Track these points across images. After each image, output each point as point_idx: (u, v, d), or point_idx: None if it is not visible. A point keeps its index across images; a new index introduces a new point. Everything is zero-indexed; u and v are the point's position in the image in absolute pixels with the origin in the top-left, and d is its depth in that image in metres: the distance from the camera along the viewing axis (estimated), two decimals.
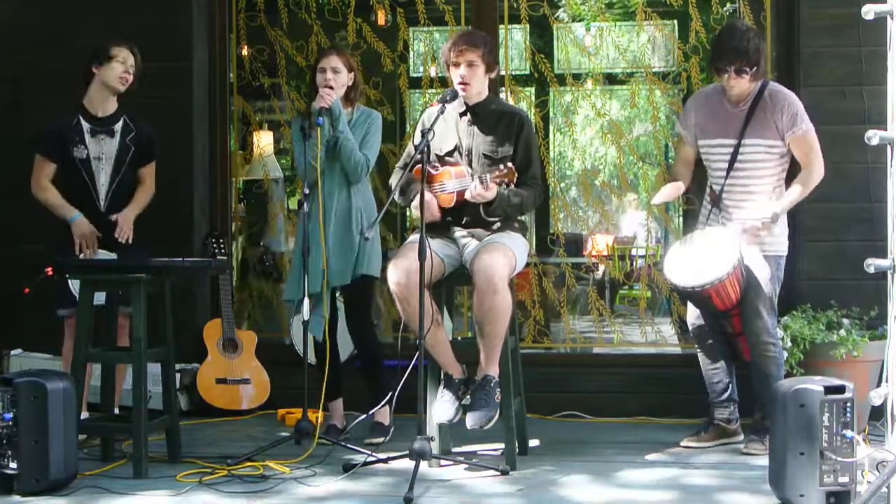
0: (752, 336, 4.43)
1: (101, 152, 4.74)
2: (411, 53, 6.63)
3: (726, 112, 4.48)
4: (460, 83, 4.19)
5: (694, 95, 4.81)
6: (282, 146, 7.99)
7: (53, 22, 5.64)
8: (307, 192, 4.58)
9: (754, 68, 4.34)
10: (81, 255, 4.61)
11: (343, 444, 4.41)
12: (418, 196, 3.95)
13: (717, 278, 4.26)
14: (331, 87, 4.59)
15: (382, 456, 4.17)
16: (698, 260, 4.35)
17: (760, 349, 4.43)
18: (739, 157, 4.44)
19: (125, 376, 4.83)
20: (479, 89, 4.24)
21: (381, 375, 4.58)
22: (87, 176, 4.72)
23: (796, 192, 4.43)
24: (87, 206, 4.72)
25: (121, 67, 4.70)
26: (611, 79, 7.01)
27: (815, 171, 4.42)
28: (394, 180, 4.33)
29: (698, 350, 4.66)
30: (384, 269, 4.32)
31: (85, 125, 4.73)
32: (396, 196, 4.18)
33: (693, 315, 4.63)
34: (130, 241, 4.73)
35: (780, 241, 4.49)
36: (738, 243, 4.34)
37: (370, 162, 4.67)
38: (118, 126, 4.78)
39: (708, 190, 4.63)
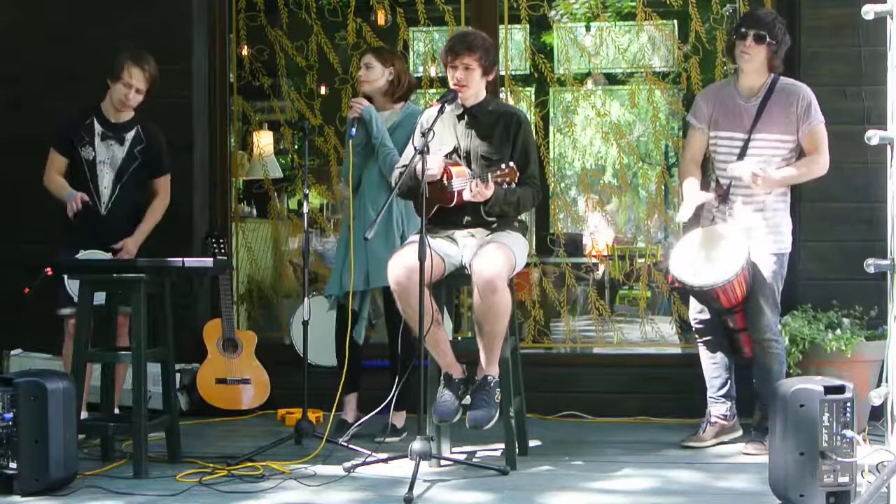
0: (755, 333, 4.44)
1: (108, 157, 4.74)
2: (411, 53, 6.63)
3: (738, 106, 4.46)
4: (456, 86, 4.19)
5: (705, 89, 4.78)
6: (282, 146, 8.00)
7: (53, 22, 5.64)
8: (307, 192, 4.61)
9: (773, 43, 4.33)
10: (71, 215, 4.59)
11: (344, 444, 4.41)
12: (418, 167, 3.96)
13: (727, 279, 4.26)
14: (363, 82, 4.69)
15: (382, 456, 4.17)
16: (707, 259, 4.34)
17: (763, 346, 4.43)
18: (749, 151, 4.43)
19: (125, 376, 4.83)
20: (475, 91, 4.24)
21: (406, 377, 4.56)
22: (91, 177, 4.72)
23: (800, 170, 4.41)
24: (88, 209, 4.70)
25: (123, 90, 4.67)
26: (611, 79, 7.02)
27: (822, 160, 4.41)
28: (394, 180, 4.32)
29: (699, 344, 4.66)
30: None
31: (98, 128, 4.74)
32: (400, 187, 4.18)
33: (695, 310, 4.63)
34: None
35: (784, 239, 4.48)
36: (746, 241, 4.34)
37: None
38: (130, 135, 4.78)
39: (713, 184, 4.62)
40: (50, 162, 4.75)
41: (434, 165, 4.08)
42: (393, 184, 4.31)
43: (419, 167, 3.96)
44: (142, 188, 4.85)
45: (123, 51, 4.72)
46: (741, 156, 4.44)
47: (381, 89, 4.76)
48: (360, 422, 4.64)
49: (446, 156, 4.24)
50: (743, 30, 4.37)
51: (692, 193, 4.49)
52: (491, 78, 4.30)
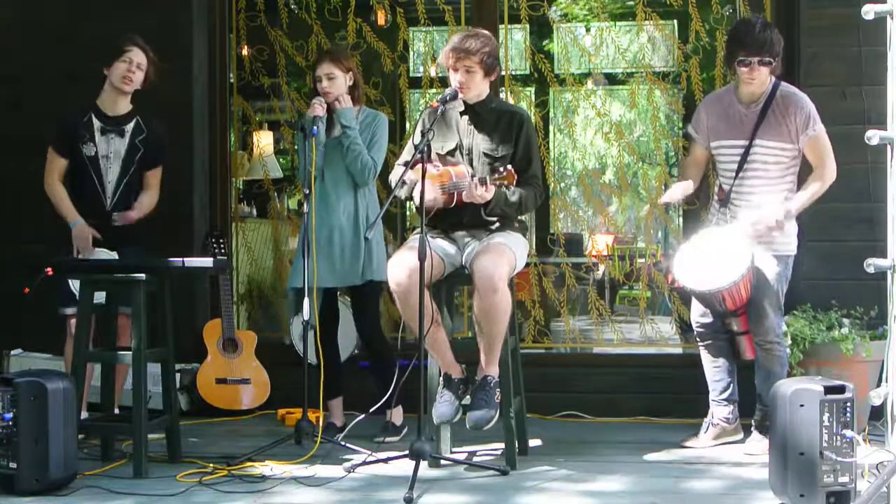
0: (758, 335, 4.43)
1: (110, 151, 4.74)
2: (411, 53, 6.63)
3: (738, 113, 4.45)
4: (458, 87, 4.19)
5: (705, 99, 4.76)
6: (282, 146, 8.00)
7: (53, 22, 5.64)
8: (307, 192, 4.62)
9: (777, 58, 4.33)
10: (76, 253, 4.62)
11: (343, 443, 4.41)
12: (418, 186, 3.95)
13: (733, 281, 4.25)
14: (328, 93, 4.68)
15: (382, 456, 4.17)
16: (712, 262, 4.33)
17: (766, 348, 4.43)
18: (749, 158, 4.42)
19: (125, 376, 4.83)
20: (478, 92, 4.23)
21: (391, 376, 4.57)
22: (95, 174, 4.72)
23: (811, 191, 4.40)
24: (94, 203, 4.72)
25: (124, 66, 4.69)
26: (611, 79, 7.01)
27: (828, 172, 4.40)
28: (394, 177, 4.32)
29: (701, 348, 4.66)
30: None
31: (96, 123, 4.74)
32: (399, 191, 4.18)
33: (697, 313, 4.62)
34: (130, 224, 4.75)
35: (789, 241, 4.48)
36: (750, 243, 4.34)
37: (377, 165, 4.70)
38: (129, 126, 4.78)
39: (716, 189, 4.62)
40: (50, 165, 4.74)
41: (431, 198, 4.06)
42: (392, 183, 4.31)
43: (416, 192, 3.97)
44: (141, 182, 4.85)
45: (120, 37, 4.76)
46: (742, 163, 4.44)
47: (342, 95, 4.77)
48: (349, 426, 4.64)
49: (449, 153, 4.25)
50: (743, 56, 4.30)
51: (677, 184, 4.52)
52: (493, 78, 4.28)
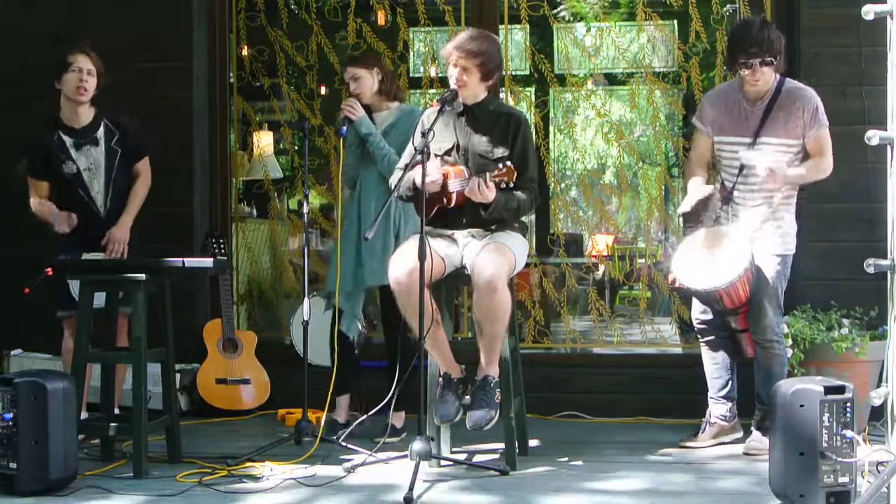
0: (757, 333, 4.44)
1: (90, 163, 4.69)
2: (411, 53, 6.63)
3: (743, 111, 4.45)
4: (456, 83, 4.19)
5: (709, 93, 4.76)
6: (282, 146, 8.01)
7: (53, 22, 5.64)
8: (307, 192, 4.65)
9: (778, 57, 4.33)
10: (66, 228, 4.59)
11: (343, 444, 4.41)
12: (417, 179, 3.95)
13: (730, 280, 4.25)
14: (358, 94, 4.73)
15: (382, 456, 4.17)
16: (711, 261, 4.33)
17: (765, 346, 4.43)
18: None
19: (125, 376, 4.83)
20: (474, 92, 4.23)
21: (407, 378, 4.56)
22: (82, 188, 4.69)
23: (805, 171, 4.39)
24: (88, 216, 4.69)
25: (75, 77, 4.58)
26: (611, 79, 7.02)
27: (826, 163, 4.39)
28: (394, 180, 4.33)
29: (702, 344, 4.66)
30: None
31: (67, 140, 4.66)
32: (399, 192, 4.18)
33: (698, 310, 4.62)
34: (125, 255, 4.69)
35: (789, 241, 4.48)
36: (749, 242, 4.34)
37: None
38: (100, 133, 4.71)
39: (719, 186, 4.62)
40: (32, 189, 4.73)
41: (432, 172, 4.06)
42: (392, 186, 4.31)
43: (418, 178, 3.96)
44: (130, 176, 4.82)
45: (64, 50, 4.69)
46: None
47: (374, 93, 4.79)
48: (352, 424, 4.64)
49: (446, 153, 4.25)
50: (744, 59, 4.29)
51: (696, 187, 4.48)
52: (490, 84, 4.26)
